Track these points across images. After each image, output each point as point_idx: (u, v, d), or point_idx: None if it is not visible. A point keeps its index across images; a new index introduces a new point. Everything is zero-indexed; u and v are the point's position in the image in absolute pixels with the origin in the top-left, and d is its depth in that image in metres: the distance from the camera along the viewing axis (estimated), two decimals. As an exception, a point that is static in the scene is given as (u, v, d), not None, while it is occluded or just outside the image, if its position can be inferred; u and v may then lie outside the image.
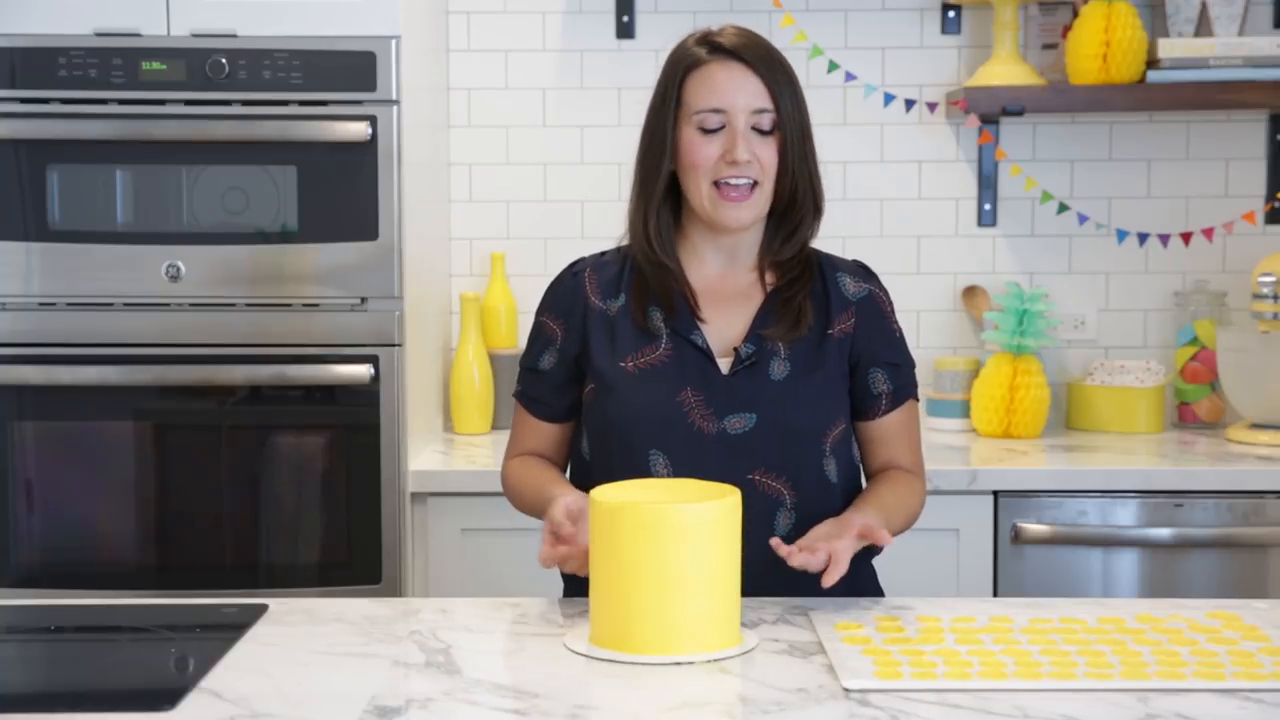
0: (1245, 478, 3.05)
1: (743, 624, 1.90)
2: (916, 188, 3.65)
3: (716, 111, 2.12)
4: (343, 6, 3.00)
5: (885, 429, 2.22)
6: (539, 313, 2.27)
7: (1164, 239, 3.57)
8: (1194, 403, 3.56)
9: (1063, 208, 3.55)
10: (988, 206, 3.62)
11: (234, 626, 1.93)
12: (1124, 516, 3.04)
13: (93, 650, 1.96)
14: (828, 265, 2.24)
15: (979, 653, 1.78)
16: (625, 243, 2.28)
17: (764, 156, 2.12)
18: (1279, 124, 3.60)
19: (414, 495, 3.06)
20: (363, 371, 3.01)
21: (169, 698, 1.66)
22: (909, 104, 3.53)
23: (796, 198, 2.17)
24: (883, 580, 2.28)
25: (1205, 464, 3.13)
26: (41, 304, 3.03)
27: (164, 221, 3.02)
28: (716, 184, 2.12)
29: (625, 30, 3.61)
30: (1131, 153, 3.63)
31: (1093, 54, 3.35)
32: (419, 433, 3.19)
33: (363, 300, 3.02)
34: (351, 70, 2.98)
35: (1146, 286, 3.66)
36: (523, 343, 3.59)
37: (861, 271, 2.26)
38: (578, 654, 1.81)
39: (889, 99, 3.57)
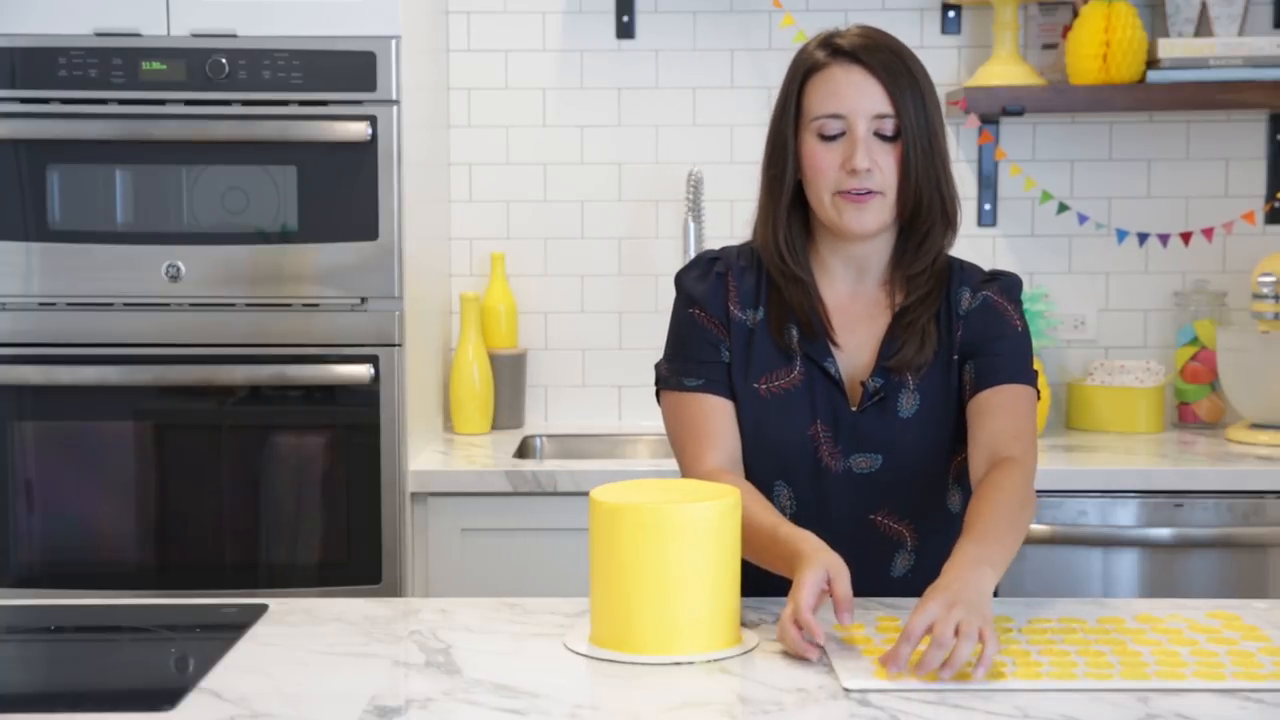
0: (1245, 478, 3.05)
1: (743, 624, 1.90)
2: (916, 188, 3.64)
3: (835, 117, 2.02)
4: (343, 6, 3.00)
5: (977, 405, 2.05)
6: (687, 304, 2.14)
7: (1164, 239, 3.57)
8: (1194, 403, 3.56)
9: (1063, 208, 3.55)
10: (988, 206, 3.62)
11: (234, 626, 1.93)
12: (1124, 516, 3.04)
13: (93, 650, 1.96)
14: (956, 280, 2.12)
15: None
16: (751, 241, 2.17)
17: (885, 164, 2.02)
18: (1279, 124, 3.60)
19: (414, 495, 3.06)
20: (363, 371, 3.01)
21: (169, 698, 1.66)
22: (909, 104, 3.52)
23: (922, 208, 2.05)
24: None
25: (1205, 464, 3.13)
26: (41, 304, 3.03)
27: (164, 221, 3.02)
28: (839, 192, 2.03)
29: (625, 30, 3.61)
30: (1131, 153, 3.63)
31: (1093, 54, 3.35)
32: (419, 433, 3.19)
33: (363, 300, 3.02)
34: (351, 70, 2.98)
35: (1146, 286, 3.66)
36: (522, 342, 3.63)
37: (984, 283, 2.13)
38: (578, 654, 1.81)
39: (889, 99, 3.56)
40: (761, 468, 2.09)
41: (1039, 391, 2.11)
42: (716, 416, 2.09)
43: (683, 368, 2.12)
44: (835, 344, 2.09)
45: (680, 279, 2.17)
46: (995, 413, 2.03)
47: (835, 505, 2.07)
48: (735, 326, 2.11)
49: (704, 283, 2.14)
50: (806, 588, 1.79)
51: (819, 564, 1.81)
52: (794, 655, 1.78)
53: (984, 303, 2.10)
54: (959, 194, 2.10)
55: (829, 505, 2.07)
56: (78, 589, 2.96)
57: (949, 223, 2.08)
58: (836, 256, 2.11)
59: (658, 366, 2.17)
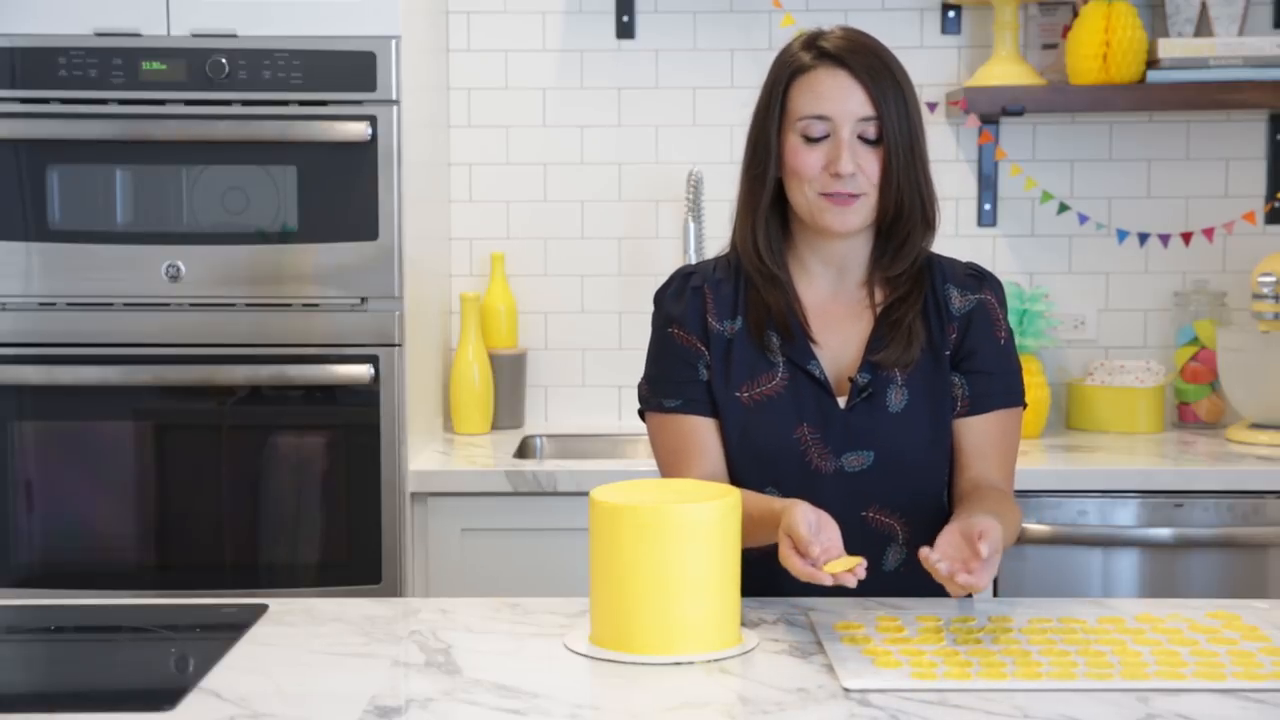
0: (1245, 478, 3.05)
1: (743, 624, 1.90)
2: (916, 188, 3.64)
3: (821, 119, 2.04)
4: (343, 6, 3.00)
5: (970, 434, 2.10)
6: (665, 324, 2.15)
7: (1164, 239, 3.57)
8: (1194, 403, 3.56)
9: (1063, 208, 3.55)
10: (988, 206, 3.62)
11: (234, 626, 1.93)
12: (1124, 516, 3.04)
13: (93, 650, 1.96)
14: (939, 277, 2.13)
15: (979, 653, 1.78)
16: (728, 252, 2.18)
17: (869, 167, 2.04)
18: (1279, 124, 3.60)
19: (414, 495, 3.06)
20: (363, 371, 3.01)
21: (169, 698, 1.66)
22: (909, 104, 3.52)
23: (903, 210, 2.06)
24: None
25: (1205, 464, 3.13)
26: (41, 304, 3.03)
27: (164, 221, 3.02)
28: (823, 194, 2.05)
29: (625, 30, 3.61)
30: (1131, 153, 3.63)
31: (1093, 54, 3.35)
32: (419, 433, 3.19)
33: (363, 300, 3.02)
34: (351, 70, 2.98)
35: (1146, 286, 3.66)
36: (522, 342, 3.63)
37: (973, 281, 2.14)
38: (578, 654, 1.81)
39: (889, 99, 3.56)
40: (751, 476, 2.09)
41: (1025, 399, 2.16)
42: (698, 435, 2.10)
43: (662, 388, 2.14)
44: (814, 342, 2.10)
45: (658, 298, 2.19)
46: (985, 450, 2.10)
47: (826, 506, 2.06)
48: (714, 339, 2.11)
49: (680, 300, 2.15)
50: (800, 525, 1.82)
51: (803, 505, 1.87)
52: (811, 583, 1.82)
53: (978, 308, 2.12)
54: (938, 195, 2.11)
55: (820, 506, 2.06)
56: (78, 589, 2.96)
57: (929, 225, 2.10)
58: (815, 255, 2.13)
59: (639, 387, 2.18)
